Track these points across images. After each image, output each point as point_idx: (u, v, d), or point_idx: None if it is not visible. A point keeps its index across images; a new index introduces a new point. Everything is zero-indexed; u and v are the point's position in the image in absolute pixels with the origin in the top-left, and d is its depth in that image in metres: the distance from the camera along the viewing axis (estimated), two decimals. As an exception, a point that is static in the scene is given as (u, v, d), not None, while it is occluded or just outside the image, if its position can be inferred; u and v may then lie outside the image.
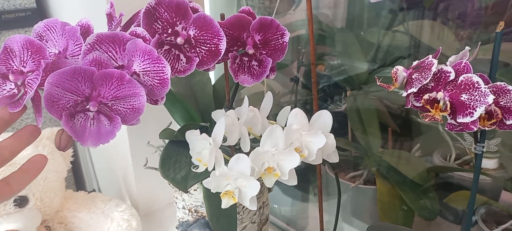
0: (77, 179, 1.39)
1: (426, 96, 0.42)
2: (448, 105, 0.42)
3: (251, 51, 0.48)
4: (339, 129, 0.98)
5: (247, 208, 0.77)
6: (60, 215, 0.95)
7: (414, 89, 0.43)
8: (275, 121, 0.56)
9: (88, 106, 0.39)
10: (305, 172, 1.04)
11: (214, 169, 0.45)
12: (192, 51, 0.45)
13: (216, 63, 0.48)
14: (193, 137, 0.46)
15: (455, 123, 0.43)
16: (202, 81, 0.84)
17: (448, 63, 0.44)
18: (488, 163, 0.79)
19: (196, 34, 0.45)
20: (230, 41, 0.48)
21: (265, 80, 1.20)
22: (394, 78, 0.46)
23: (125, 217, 0.96)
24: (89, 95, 0.39)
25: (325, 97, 1.07)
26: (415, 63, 0.46)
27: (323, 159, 0.52)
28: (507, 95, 0.43)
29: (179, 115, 0.76)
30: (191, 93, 0.83)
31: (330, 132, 0.50)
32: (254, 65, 0.50)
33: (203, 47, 0.45)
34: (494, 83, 0.43)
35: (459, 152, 0.86)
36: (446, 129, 0.44)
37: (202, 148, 0.46)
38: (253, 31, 0.48)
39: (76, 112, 0.39)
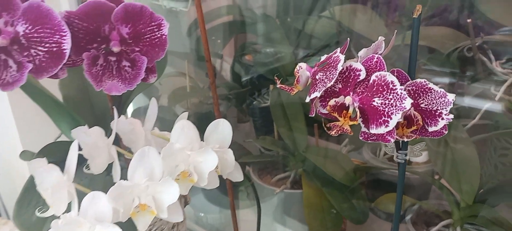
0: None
1: (332, 102, 0.34)
2: (358, 113, 0.33)
3: (116, 49, 0.37)
4: (265, 126, 0.89)
5: (159, 224, 0.67)
6: None
7: (317, 94, 0.34)
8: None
9: None
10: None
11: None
12: (25, 54, 0.33)
13: (68, 66, 0.37)
14: (39, 167, 0.35)
15: (369, 132, 0.35)
16: (99, 82, 0.71)
17: (359, 58, 0.35)
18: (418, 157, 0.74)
19: (28, 30, 0.33)
20: (86, 36, 0.36)
21: (188, 74, 1.09)
22: (296, 79, 0.37)
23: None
24: None
25: (252, 91, 0.98)
26: (323, 58, 0.38)
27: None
28: (429, 95, 0.35)
29: (65, 125, 0.63)
30: (86, 97, 0.70)
31: (257, 129, 0.41)
32: (125, 66, 0.39)
33: (40, 48, 0.33)
34: (413, 81, 0.35)
35: (389, 145, 0.80)
36: (361, 138, 0.36)
37: (53, 183, 0.35)
38: (118, 22, 0.37)
39: None
